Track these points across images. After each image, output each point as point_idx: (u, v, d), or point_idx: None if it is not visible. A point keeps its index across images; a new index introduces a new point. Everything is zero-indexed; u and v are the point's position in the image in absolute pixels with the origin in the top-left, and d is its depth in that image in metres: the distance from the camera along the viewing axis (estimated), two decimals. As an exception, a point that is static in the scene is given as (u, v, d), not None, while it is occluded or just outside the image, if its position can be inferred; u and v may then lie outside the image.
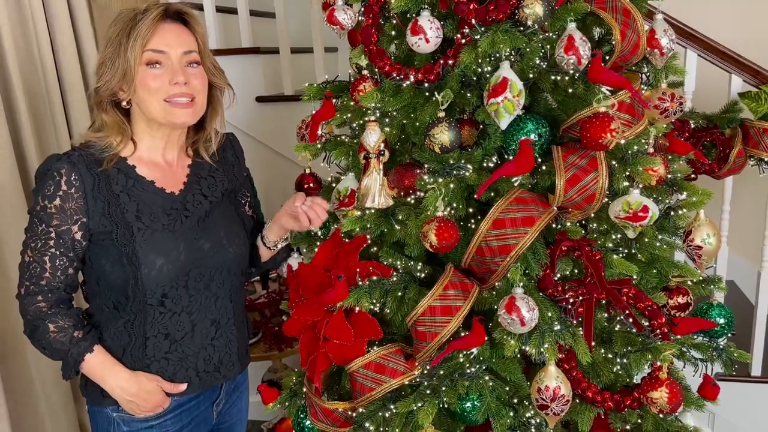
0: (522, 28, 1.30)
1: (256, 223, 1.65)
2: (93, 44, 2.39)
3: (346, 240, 1.50)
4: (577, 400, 1.39)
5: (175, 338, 1.42)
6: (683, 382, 1.52)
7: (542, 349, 1.29)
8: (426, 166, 1.41)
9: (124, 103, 1.38)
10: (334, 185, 1.62)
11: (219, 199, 1.50)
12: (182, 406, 1.47)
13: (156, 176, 1.42)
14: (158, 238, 1.36)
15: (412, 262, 1.44)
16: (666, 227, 1.53)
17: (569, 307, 1.33)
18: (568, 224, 1.38)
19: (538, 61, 1.35)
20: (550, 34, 1.36)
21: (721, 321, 1.58)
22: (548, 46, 1.36)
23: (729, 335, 1.60)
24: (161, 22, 1.34)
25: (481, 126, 1.42)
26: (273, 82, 2.92)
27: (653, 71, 1.51)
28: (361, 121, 1.53)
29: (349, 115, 1.56)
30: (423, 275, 1.44)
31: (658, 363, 1.34)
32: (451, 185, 1.36)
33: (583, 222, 1.44)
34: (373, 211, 1.45)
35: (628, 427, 1.46)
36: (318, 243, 1.61)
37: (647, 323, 1.37)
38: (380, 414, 1.42)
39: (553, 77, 1.37)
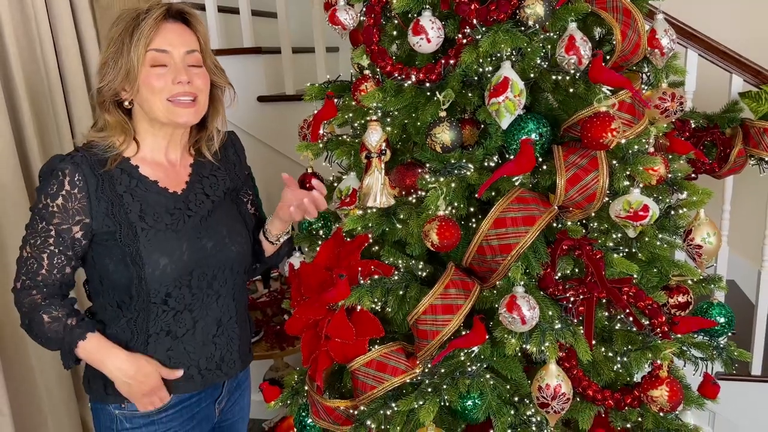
0: (523, 28, 1.30)
1: (258, 221, 1.66)
2: (95, 45, 2.40)
3: (348, 239, 1.51)
4: (578, 399, 1.40)
5: (177, 335, 1.42)
6: (683, 381, 1.52)
7: (543, 348, 1.30)
8: (427, 165, 1.41)
9: (126, 103, 1.38)
10: (335, 184, 1.62)
11: (221, 198, 1.50)
12: (184, 403, 1.47)
13: (159, 176, 1.42)
14: (162, 237, 1.37)
15: (413, 261, 1.44)
16: (666, 226, 1.53)
17: (570, 305, 1.34)
18: (569, 223, 1.38)
19: (539, 61, 1.36)
20: (551, 34, 1.37)
21: (722, 320, 1.58)
22: (549, 46, 1.36)
23: (729, 334, 1.60)
24: (164, 22, 1.35)
25: (483, 125, 1.42)
26: (274, 82, 2.92)
27: (654, 71, 1.51)
28: (363, 121, 1.53)
29: (350, 115, 1.57)
30: (424, 274, 1.44)
31: (659, 361, 1.34)
32: (453, 184, 1.36)
33: (584, 221, 1.44)
34: (374, 210, 1.46)
35: (628, 426, 1.46)
36: (320, 242, 1.62)
37: (647, 322, 1.37)
38: (382, 412, 1.43)
39: (554, 77, 1.38)
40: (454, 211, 1.38)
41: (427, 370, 1.41)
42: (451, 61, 1.37)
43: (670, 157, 1.54)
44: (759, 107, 1.97)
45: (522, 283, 1.30)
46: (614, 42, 1.35)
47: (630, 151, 1.35)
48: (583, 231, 1.39)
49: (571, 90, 1.37)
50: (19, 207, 2.06)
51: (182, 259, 1.38)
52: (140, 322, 1.40)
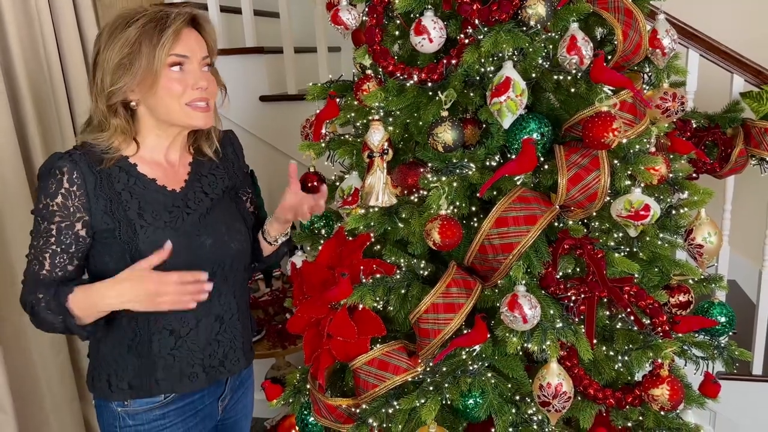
0: (525, 29, 1.31)
1: (258, 219, 1.67)
2: (98, 43, 2.41)
3: (350, 238, 1.51)
4: (579, 397, 1.40)
5: (180, 334, 1.43)
6: (684, 380, 1.52)
7: (544, 347, 1.30)
8: (429, 164, 1.42)
9: (133, 103, 1.38)
10: (338, 184, 1.63)
11: (220, 196, 1.51)
12: (186, 400, 1.48)
13: (157, 174, 1.43)
14: (161, 235, 1.37)
15: (415, 260, 1.45)
16: (667, 226, 1.53)
17: (571, 304, 1.34)
18: (570, 223, 1.39)
19: (540, 61, 1.36)
20: (553, 34, 1.37)
21: (722, 319, 1.58)
22: (551, 46, 1.37)
23: (730, 334, 1.61)
24: (183, 28, 1.36)
25: (484, 125, 1.43)
26: (277, 82, 2.92)
27: (655, 71, 1.52)
28: (365, 120, 1.54)
29: (352, 115, 1.57)
30: (426, 273, 1.45)
31: (660, 361, 1.34)
32: (454, 184, 1.37)
33: (585, 220, 1.45)
34: (376, 209, 1.46)
35: (629, 425, 1.47)
36: (322, 241, 1.62)
37: (648, 321, 1.37)
38: (383, 410, 1.43)
39: (555, 77, 1.38)
40: (455, 210, 1.39)
41: (428, 369, 1.42)
42: (453, 61, 1.37)
43: (672, 156, 1.54)
44: (760, 107, 1.97)
45: (523, 282, 1.31)
46: (616, 42, 1.36)
47: (631, 151, 1.36)
48: (585, 230, 1.40)
49: (572, 90, 1.37)
50: (22, 204, 2.07)
51: (181, 257, 1.38)
52: (141, 321, 1.41)
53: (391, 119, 1.47)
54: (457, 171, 1.36)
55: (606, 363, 1.44)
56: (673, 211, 1.55)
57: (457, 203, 1.39)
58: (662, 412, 1.41)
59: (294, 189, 1.50)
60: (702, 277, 1.59)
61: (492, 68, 1.36)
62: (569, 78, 1.36)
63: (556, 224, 1.40)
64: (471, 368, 1.39)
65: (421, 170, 1.44)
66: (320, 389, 1.49)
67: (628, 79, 1.31)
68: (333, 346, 1.45)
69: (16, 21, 2.08)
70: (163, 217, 1.40)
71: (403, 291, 1.43)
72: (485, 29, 1.32)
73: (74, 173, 1.34)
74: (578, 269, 1.44)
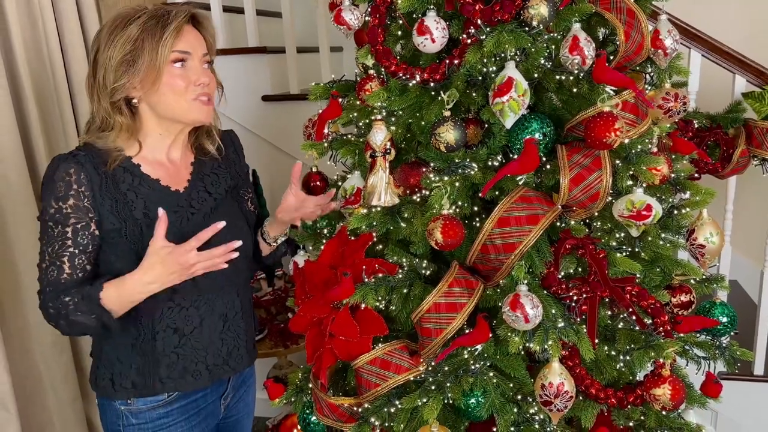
0: (527, 29, 1.31)
1: (258, 220, 1.67)
2: (101, 43, 2.41)
3: (352, 238, 1.51)
4: (581, 397, 1.40)
5: (184, 332, 1.43)
6: (686, 380, 1.52)
7: (546, 346, 1.30)
8: (431, 164, 1.42)
9: (135, 101, 1.39)
10: (340, 183, 1.63)
11: (222, 196, 1.52)
12: (189, 398, 1.48)
13: (160, 174, 1.44)
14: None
15: (417, 260, 1.45)
16: (669, 226, 1.53)
17: (573, 304, 1.34)
18: (572, 223, 1.39)
19: (542, 61, 1.36)
20: (555, 35, 1.37)
21: (724, 319, 1.58)
22: (553, 47, 1.37)
23: (731, 334, 1.61)
24: (184, 25, 1.37)
25: (486, 125, 1.43)
26: (279, 82, 2.93)
27: (657, 71, 1.52)
28: (368, 120, 1.54)
29: (355, 114, 1.57)
30: (428, 273, 1.45)
31: (661, 360, 1.34)
32: (457, 184, 1.37)
33: (587, 220, 1.45)
34: (379, 209, 1.47)
35: (631, 424, 1.47)
36: (324, 240, 1.62)
37: (650, 321, 1.38)
38: (385, 409, 1.43)
39: (557, 77, 1.38)
40: (458, 210, 1.39)
41: (430, 368, 1.42)
42: (456, 61, 1.37)
43: (674, 156, 1.54)
44: (762, 107, 1.97)
45: (525, 281, 1.31)
46: (618, 42, 1.36)
47: (633, 151, 1.36)
48: (587, 230, 1.40)
49: (574, 90, 1.37)
50: (26, 204, 2.08)
51: None
52: (146, 320, 1.41)
53: (393, 119, 1.48)
54: (460, 171, 1.36)
55: (608, 363, 1.44)
56: (675, 211, 1.55)
57: (460, 203, 1.39)
58: (664, 412, 1.41)
59: (295, 190, 1.50)
60: (704, 277, 1.59)
61: (494, 68, 1.36)
62: (571, 78, 1.36)
63: (558, 224, 1.40)
64: (473, 368, 1.39)
65: (424, 170, 1.44)
66: (322, 388, 1.50)
67: (630, 80, 1.31)
68: (335, 346, 1.45)
69: (19, 21, 2.09)
70: (169, 217, 1.40)
71: (405, 290, 1.43)
72: (488, 29, 1.33)
73: (81, 174, 1.34)
74: (580, 269, 1.44)
